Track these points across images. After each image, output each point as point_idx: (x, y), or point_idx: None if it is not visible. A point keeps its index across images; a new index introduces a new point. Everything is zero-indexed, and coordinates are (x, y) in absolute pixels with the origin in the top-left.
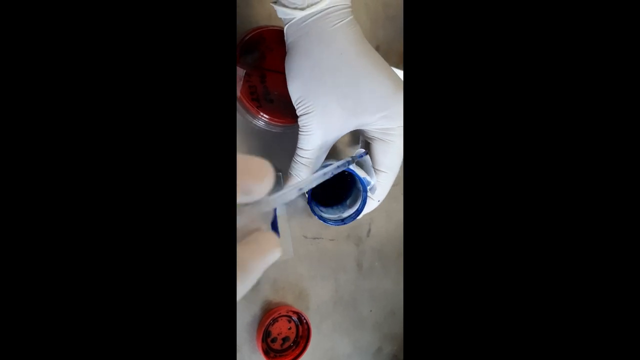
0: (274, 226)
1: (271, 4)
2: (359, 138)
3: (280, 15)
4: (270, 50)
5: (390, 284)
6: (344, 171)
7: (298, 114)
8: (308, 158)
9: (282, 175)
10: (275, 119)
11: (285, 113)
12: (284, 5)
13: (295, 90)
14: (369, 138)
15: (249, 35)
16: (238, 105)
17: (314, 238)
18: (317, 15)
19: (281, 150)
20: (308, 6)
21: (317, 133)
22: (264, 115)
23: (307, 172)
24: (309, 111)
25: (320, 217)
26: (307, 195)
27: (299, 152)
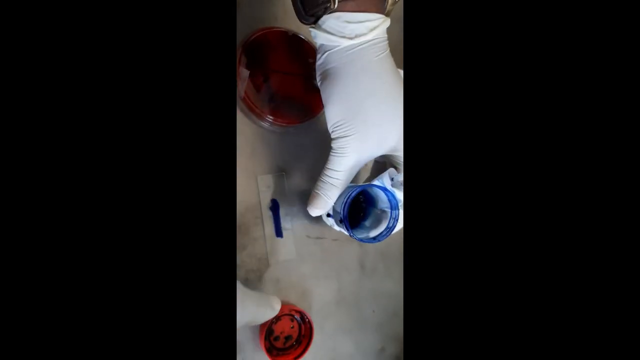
0: (277, 228)
1: (310, 28)
2: (385, 163)
3: (321, 41)
4: (274, 51)
5: (393, 285)
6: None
7: (334, 137)
8: (339, 179)
9: (285, 175)
10: (279, 120)
11: (289, 113)
12: (330, 33)
13: (336, 114)
14: (398, 163)
15: (254, 36)
16: (242, 106)
17: (317, 238)
18: (363, 46)
19: (285, 150)
20: (356, 36)
21: (351, 155)
22: (268, 116)
23: (336, 193)
24: (348, 134)
25: (355, 236)
26: (340, 214)
27: (329, 172)
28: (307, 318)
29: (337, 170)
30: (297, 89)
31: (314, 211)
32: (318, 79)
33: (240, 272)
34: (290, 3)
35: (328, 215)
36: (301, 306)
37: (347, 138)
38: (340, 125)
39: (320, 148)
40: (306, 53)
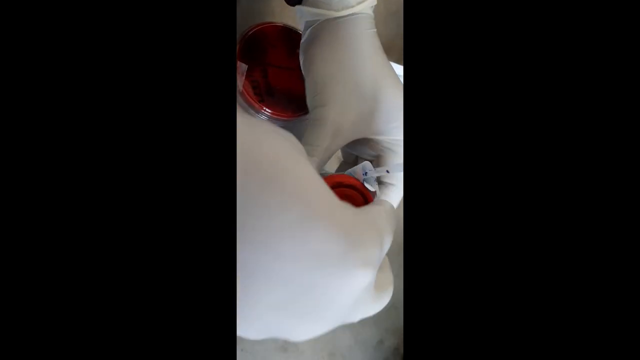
0: None
1: (297, 7)
2: (355, 157)
3: (307, 17)
4: (272, 46)
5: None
6: None
7: (312, 106)
8: (316, 154)
9: None
10: (278, 113)
11: (288, 107)
12: (317, 7)
13: (316, 80)
14: (380, 149)
15: (252, 31)
16: (240, 100)
17: None
18: (350, 17)
19: None
20: (343, 8)
21: (329, 125)
22: (267, 110)
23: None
24: (326, 103)
25: None
26: None
27: (305, 147)
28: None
29: (313, 145)
30: (294, 83)
31: None
32: (301, 58)
33: None
34: None
35: None
36: None
37: (326, 107)
38: (320, 92)
39: None
40: None
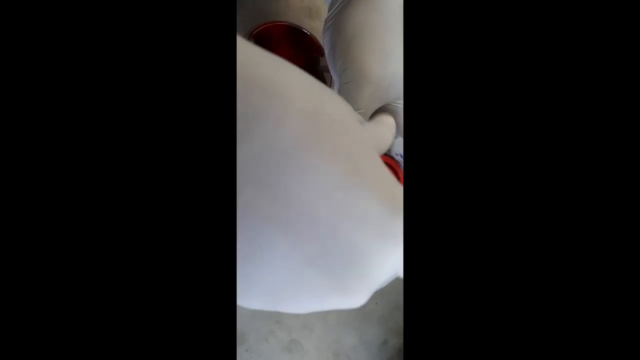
0: None
1: None
2: None
3: None
4: (277, 45)
5: (396, 279)
6: None
7: (345, 65)
8: (362, 114)
9: None
10: None
11: None
12: None
13: (352, 33)
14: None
15: (257, 31)
16: None
17: None
18: None
19: None
20: None
21: (366, 89)
22: None
23: None
24: (363, 59)
25: None
26: None
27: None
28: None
29: (357, 109)
30: None
31: None
32: (328, 27)
33: None
34: None
35: None
36: None
37: (363, 62)
38: (354, 47)
39: None
40: (308, 47)
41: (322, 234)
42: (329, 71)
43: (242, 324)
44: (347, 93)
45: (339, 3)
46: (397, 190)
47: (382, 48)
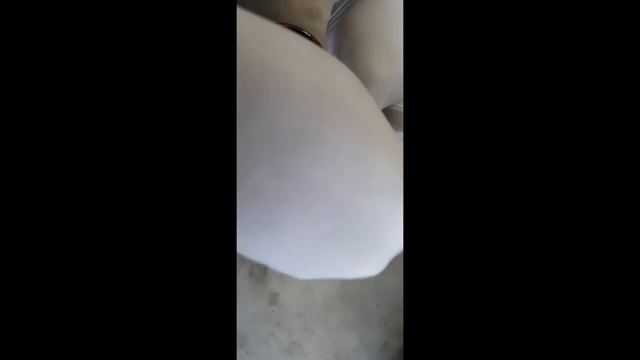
0: None
1: None
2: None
3: None
4: None
5: (396, 280)
6: None
7: (351, 67)
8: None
9: None
10: None
11: None
12: None
13: (357, 35)
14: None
15: None
16: None
17: None
18: None
19: None
20: None
21: (374, 87)
22: None
23: None
24: (369, 58)
25: None
26: None
27: None
28: None
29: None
30: None
31: None
32: (329, 29)
33: (244, 266)
34: (292, 0)
35: None
36: (305, 300)
37: (371, 62)
38: (362, 47)
39: None
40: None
41: (337, 211)
42: None
43: (242, 326)
44: None
45: (343, 4)
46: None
47: (388, 49)
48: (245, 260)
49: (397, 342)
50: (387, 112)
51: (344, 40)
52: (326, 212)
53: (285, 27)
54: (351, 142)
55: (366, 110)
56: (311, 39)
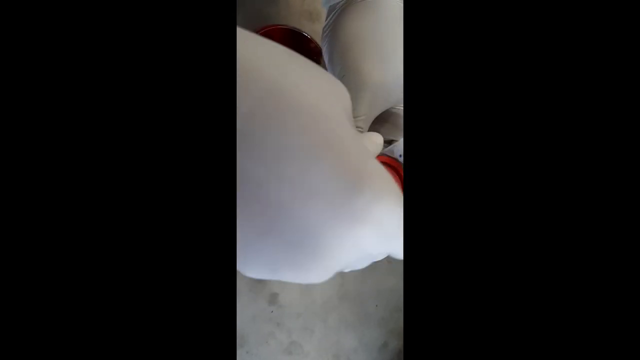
0: None
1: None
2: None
3: (335, 0)
4: None
5: (395, 281)
6: None
7: (343, 72)
8: (359, 123)
9: None
10: None
11: None
12: None
13: (348, 41)
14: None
15: (258, 34)
16: None
17: None
18: None
19: None
20: None
21: (366, 94)
22: None
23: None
24: (361, 64)
25: None
26: None
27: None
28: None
29: (354, 116)
30: None
31: None
32: (325, 35)
33: None
34: (293, 2)
35: None
36: (304, 300)
37: (361, 69)
38: (353, 54)
39: None
40: (309, 51)
41: (272, 210)
42: None
43: (242, 326)
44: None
45: (336, 10)
46: (371, 168)
47: (380, 54)
48: None
49: (396, 343)
50: (387, 114)
51: (336, 46)
52: (261, 210)
53: (286, 29)
54: (299, 146)
55: (319, 114)
56: (311, 40)
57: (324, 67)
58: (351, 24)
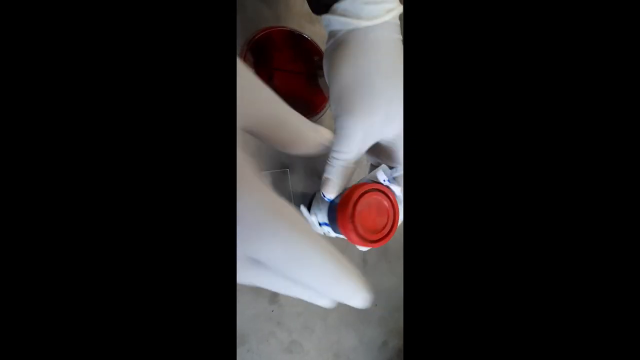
0: None
1: (323, 16)
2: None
3: (335, 26)
4: (278, 50)
5: (395, 280)
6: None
7: (338, 113)
8: (347, 160)
9: (288, 171)
10: None
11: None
12: (346, 16)
13: (341, 84)
14: (394, 148)
15: (258, 36)
16: None
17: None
18: (377, 25)
19: None
20: (372, 18)
21: (358, 133)
22: None
23: (346, 175)
24: (354, 108)
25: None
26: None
27: (337, 155)
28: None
29: (344, 152)
30: (300, 87)
31: (328, 195)
32: (325, 65)
33: None
34: (293, 3)
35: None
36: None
37: (352, 112)
38: (345, 97)
39: None
40: (309, 52)
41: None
42: None
43: (243, 325)
44: (340, 139)
45: (336, 37)
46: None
47: (371, 95)
48: None
49: (396, 342)
50: (378, 146)
51: (332, 87)
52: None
53: (286, 30)
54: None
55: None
56: (311, 42)
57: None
58: (345, 72)
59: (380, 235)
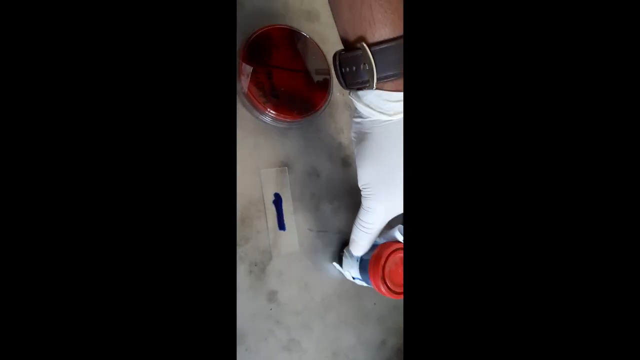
0: (280, 221)
1: (351, 96)
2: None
3: (361, 110)
4: (277, 48)
5: None
6: None
7: (364, 195)
8: (372, 229)
9: (287, 169)
10: (282, 115)
11: (291, 108)
12: (370, 107)
13: (368, 176)
14: None
15: (257, 33)
16: (245, 101)
17: (319, 231)
18: (400, 120)
19: (287, 144)
20: (395, 114)
21: (380, 212)
22: (271, 111)
23: (371, 239)
24: (378, 196)
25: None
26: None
27: (362, 224)
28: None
29: (369, 223)
30: (299, 85)
31: (356, 254)
32: (353, 136)
33: (244, 264)
34: (291, 2)
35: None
36: (303, 298)
37: (377, 198)
38: (372, 186)
39: (321, 143)
40: (308, 50)
41: None
42: (325, 73)
43: (241, 323)
44: (366, 215)
45: (360, 125)
46: None
47: (394, 186)
48: (244, 258)
49: (395, 341)
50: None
51: (359, 169)
52: None
53: (285, 28)
54: None
55: None
56: (309, 40)
57: (321, 65)
58: (371, 169)
59: None
